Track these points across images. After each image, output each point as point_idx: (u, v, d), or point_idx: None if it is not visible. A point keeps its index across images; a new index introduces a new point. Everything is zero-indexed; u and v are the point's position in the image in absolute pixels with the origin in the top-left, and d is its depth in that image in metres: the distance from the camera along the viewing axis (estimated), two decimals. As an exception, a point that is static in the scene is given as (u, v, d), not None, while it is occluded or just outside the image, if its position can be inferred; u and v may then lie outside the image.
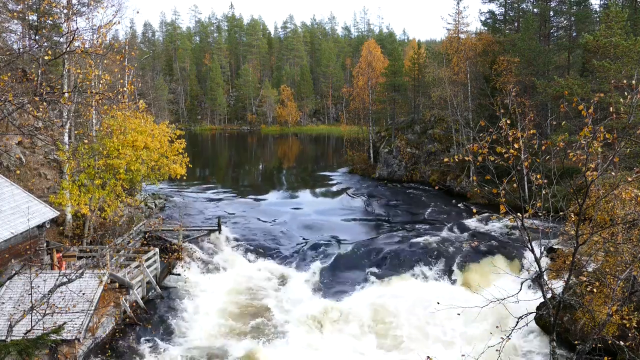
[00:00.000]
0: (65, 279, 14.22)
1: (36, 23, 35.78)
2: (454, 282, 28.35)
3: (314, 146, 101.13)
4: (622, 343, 11.20)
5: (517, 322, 10.18)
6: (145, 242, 31.12)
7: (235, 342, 22.61)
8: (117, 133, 28.46)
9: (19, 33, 38.56)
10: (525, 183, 34.78)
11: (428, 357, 10.89)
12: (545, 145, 9.35)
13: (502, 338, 9.83)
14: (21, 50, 32.20)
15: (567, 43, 47.26)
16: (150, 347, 21.63)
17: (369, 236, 35.65)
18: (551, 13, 50.70)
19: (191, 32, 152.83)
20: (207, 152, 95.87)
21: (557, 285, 19.23)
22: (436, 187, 48.79)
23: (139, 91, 63.55)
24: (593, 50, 34.51)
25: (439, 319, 22.54)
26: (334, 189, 54.00)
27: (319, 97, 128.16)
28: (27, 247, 22.71)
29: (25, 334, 13.07)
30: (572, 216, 11.05)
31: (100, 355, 20.24)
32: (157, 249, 27.68)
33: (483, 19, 55.57)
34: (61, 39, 29.46)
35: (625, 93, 10.41)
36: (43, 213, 23.75)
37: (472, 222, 37.31)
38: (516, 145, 9.35)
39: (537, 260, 10.07)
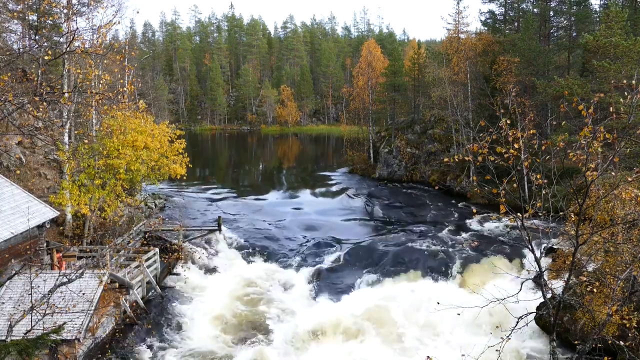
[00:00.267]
0: (65, 279, 14.23)
1: (36, 23, 35.78)
2: (454, 282, 28.34)
3: (314, 146, 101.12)
4: (622, 343, 11.20)
5: (517, 322, 10.18)
6: (145, 242, 31.12)
7: (235, 342, 22.62)
8: (117, 133, 28.46)
9: (19, 33, 38.58)
10: (525, 183, 34.79)
11: (428, 357, 10.89)
12: (545, 145, 9.35)
13: (502, 338, 9.83)
14: (21, 50, 32.20)
15: (567, 43, 47.28)
16: (150, 347, 21.63)
17: (369, 236, 35.64)
18: (551, 13, 50.72)
19: (191, 32, 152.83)
20: (207, 152, 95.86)
21: (557, 285, 19.25)
22: (436, 187, 48.80)
23: (139, 91, 63.55)
24: (593, 50, 34.51)
25: (439, 319, 22.52)
26: (334, 189, 54.00)
27: (319, 97, 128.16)
28: (27, 247, 22.71)
29: (25, 334, 13.07)
30: (572, 216, 11.05)
31: (100, 355, 20.23)
32: (157, 249, 27.68)
33: (483, 19, 55.64)
34: (61, 39, 29.46)
35: (625, 93, 10.41)
36: (43, 213, 23.74)
37: (472, 222, 37.33)
38: (516, 145, 9.35)
39: (537, 260, 10.07)
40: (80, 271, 15.75)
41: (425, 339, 22.85)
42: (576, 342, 15.92)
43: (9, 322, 15.03)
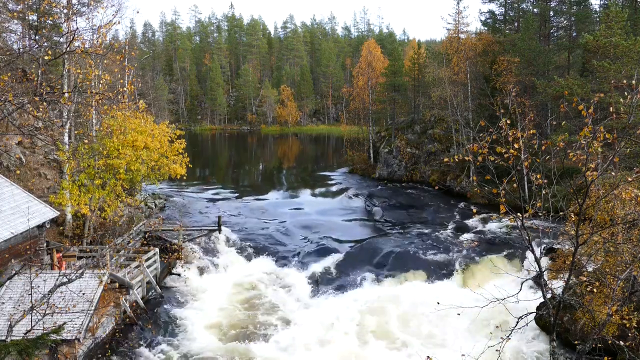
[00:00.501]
0: (65, 279, 14.23)
1: (36, 23, 35.78)
2: (454, 282, 28.35)
3: (314, 146, 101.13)
4: (622, 343, 11.20)
5: (517, 322, 10.18)
6: (145, 242, 31.13)
7: (234, 343, 22.61)
8: (117, 133, 28.46)
9: (19, 33, 38.58)
10: (525, 183, 34.79)
11: (428, 357, 10.89)
12: (545, 145, 9.35)
13: (502, 338, 9.83)
14: (21, 50, 32.20)
15: (567, 43, 47.27)
16: (150, 347, 21.63)
17: (368, 236, 35.64)
18: (551, 13, 50.71)
19: (191, 32, 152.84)
20: (207, 152, 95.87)
21: (557, 285, 19.24)
22: (436, 187, 48.80)
23: (139, 91, 63.56)
24: (593, 50, 34.51)
25: (439, 319, 22.53)
26: (334, 189, 54.00)
27: (319, 97, 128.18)
28: (27, 247, 22.71)
29: (25, 334, 13.07)
30: (572, 216, 11.05)
31: (100, 355, 20.23)
32: (157, 249, 27.68)
33: (483, 19, 55.61)
34: (61, 39, 29.46)
35: (625, 93, 10.41)
36: (43, 213, 23.74)
37: (472, 222, 37.32)
38: (516, 145, 9.35)
39: (537, 260, 10.07)
40: (80, 271, 15.75)
41: (425, 339, 22.85)
42: (576, 342, 15.93)
43: (9, 322, 15.03)
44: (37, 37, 32.49)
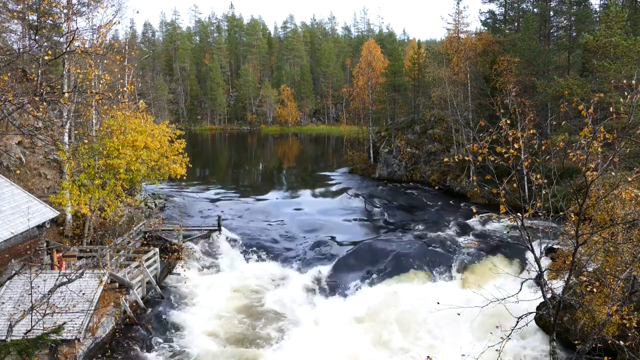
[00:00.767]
0: (65, 279, 14.23)
1: (36, 23, 35.78)
2: (454, 282, 28.34)
3: (314, 146, 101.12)
4: (622, 343, 11.20)
5: (517, 322, 10.18)
6: (145, 242, 31.13)
7: (234, 343, 22.61)
8: (117, 133, 28.46)
9: (19, 33, 38.58)
10: (525, 183, 34.79)
11: (428, 357, 10.90)
12: (545, 145, 9.35)
13: (502, 338, 9.83)
14: (21, 50, 32.20)
15: (567, 43, 47.27)
16: (150, 347, 21.62)
17: (369, 236, 35.64)
18: (551, 13, 50.69)
19: (191, 32, 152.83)
20: (207, 152, 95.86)
21: (557, 285, 19.24)
22: (436, 187, 48.79)
23: (139, 91, 63.56)
24: (593, 50, 34.50)
25: (439, 319, 22.52)
26: (334, 189, 54.00)
27: (319, 97, 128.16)
28: (27, 247, 22.71)
29: (25, 334, 13.08)
30: (572, 216, 11.05)
31: (100, 356, 20.23)
32: (157, 249, 27.68)
33: (483, 19, 55.60)
34: (61, 39, 29.46)
35: (625, 93, 10.41)
36: (43, 213, 23.74)
37: (472, 222, 37.31)
38: (516, 145, 9.35)
39: (537, 260, 10.08)
40: (80, 271, 15.75)
41: (425, 339, 22.85)
42: (576, 342, 15.92)
43: (9, 322, 15.03)
44: (37, 37, 32.50)
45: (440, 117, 53.01)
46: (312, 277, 28.99)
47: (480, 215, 37.69)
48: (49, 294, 13.26)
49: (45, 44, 31.60)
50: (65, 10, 28.04)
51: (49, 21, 29.65)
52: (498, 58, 45.12)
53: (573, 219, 10.92)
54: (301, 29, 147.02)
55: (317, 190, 54.14)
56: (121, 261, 26.27)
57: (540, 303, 20.25)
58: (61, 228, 29.35)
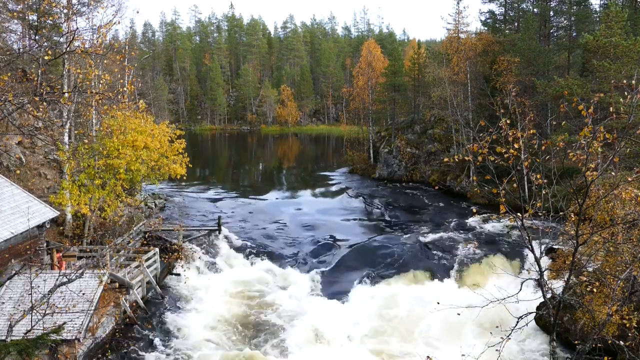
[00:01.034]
0: (65, 279, 14.23)
1: (36, 23, 35.78)
2: (454, 282, 28.34)
3: (314, 146, 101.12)
4: (622, 343, 11.20)
5: (517, 322, 10.19)
6: (145, 242, 31.12)
7: (234, 343, 22.62)
8: (117, 133, 28.45)
9: (19, 33, 38.58)
10: (525, 183, 34.78)
11: (428, 357, 10.90)
12: (545, 145, 9.35)
13: (502, 338, 9.83)
14: (21, 50, 32.21)
15: (567, 43, 47.27)
16: (149, 348, 21.62)
17: (369, 236, 35.64)
18: (551, 13, 50.71)
19: (191, 32, 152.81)
20: (207, 152, 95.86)
21: (557, 285, 19.23)
22: (436, 187, 48.78)
23: (139, 91, 63.55)
24: (593, 50, 34.51)
25: (439, 319, 22.51)
26: (334, 189, 54.00)
27: (319, 97, 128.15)
28: (27, 247, 22.71)
29: (25, 334, 13.08)
30: (572, 216, 11.05)
31: (100, 356, 20.23)
32: (157, 249, 27.67)
33: (483, 19, 55.62)
34: (61, 39, 29.46)
35: (625, 93, 10.41)
36: (43, 213, 23.74)
37: (472, 222, 37.31)
38: (516, 145, 9.35)
39: (537, 260, 10.08)
40: (80, 271, 15.75)
41: (425, 339, 22.85)
42: (576, 342, 15.92)
43: (9, 322, 15.03)
44: (37, 37, 32.50)
45: (440, 117, 53.02)
46: (312, 277, 28.99)
47: (481, 215, 37.69)
48: (49, 294, 13.26)
49: (45, 44, 31.60)
50: (65, 10, 28.03)
51: (49, 21, 29.65)
52: (498, 58, 45.13)
53: (573, 219, 10.92)
54: (301, 29, 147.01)
55: (317, 190, 54.14)
56: (121, 261, 26.26)
57: (540, 303, 20.26)
58: (61, 228, 29.34)
